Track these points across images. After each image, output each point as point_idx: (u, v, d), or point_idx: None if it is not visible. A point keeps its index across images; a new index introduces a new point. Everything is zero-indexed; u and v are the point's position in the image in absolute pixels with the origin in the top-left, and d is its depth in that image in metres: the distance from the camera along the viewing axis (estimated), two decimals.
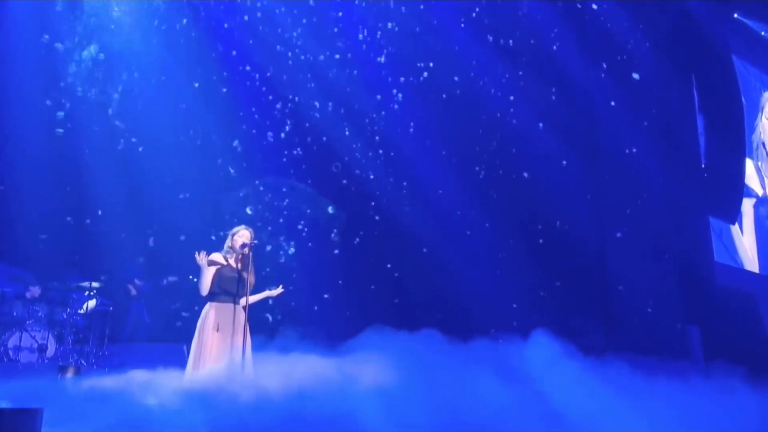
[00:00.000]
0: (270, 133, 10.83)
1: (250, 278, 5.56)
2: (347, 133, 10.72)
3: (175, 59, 10.59)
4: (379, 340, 5.74)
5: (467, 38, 10.35)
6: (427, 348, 5.68)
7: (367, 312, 9.23)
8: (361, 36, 10.67)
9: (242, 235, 5.64)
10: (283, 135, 10.94)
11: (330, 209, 10.83)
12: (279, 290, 5.83)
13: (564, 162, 9.79)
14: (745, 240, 11.51)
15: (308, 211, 10.76)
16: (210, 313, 5.47)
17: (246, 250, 5.55)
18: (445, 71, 10.39)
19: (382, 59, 10.62)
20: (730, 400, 5.25)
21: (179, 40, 10.68)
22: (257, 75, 10.87)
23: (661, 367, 6.63)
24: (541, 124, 9.88)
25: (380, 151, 10.70)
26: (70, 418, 4.29)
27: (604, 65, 9.98)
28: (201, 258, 5.37)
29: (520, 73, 10.12)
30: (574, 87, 9.94)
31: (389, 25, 10.63)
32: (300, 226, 10.75)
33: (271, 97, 10.90)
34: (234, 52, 10.81)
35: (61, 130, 10.20)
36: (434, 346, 5.75)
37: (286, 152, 10.89)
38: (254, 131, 10.82)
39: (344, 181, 10.84)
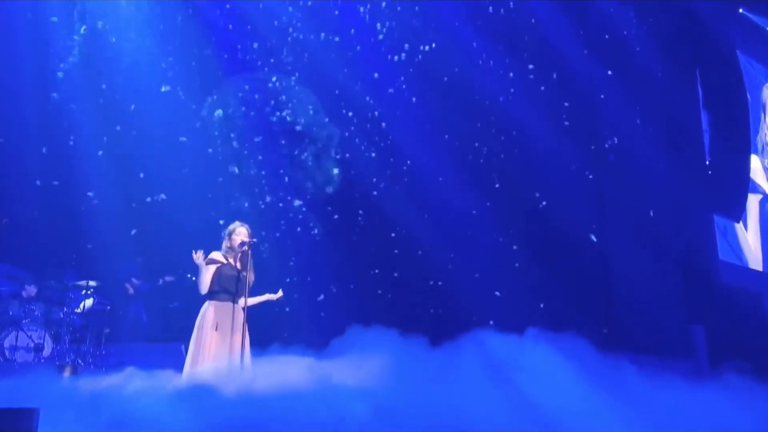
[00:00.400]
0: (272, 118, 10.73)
1: (250, 276, 5.51)
2: (349, 114, 10.60)
3: (172, 44, 10.46)
4: (373, 339, 5.66)
5: (467, 21, 10.25)
6: (421, 346, 5.59)
7: (363, 308, 9.15)
8: (362, 9, 10.52)
9: (240, 233, 5.58)
10: (284, 115, 10.83)
11: (327, 193, 10.70)
12: (279, 294, 5.76)
13: (565, 159, 9.70)
14: (749, 238, 11.43)
15: (308, 197, 10.64)
16: (209, 311, 5.42)
17: (245, 248, 5.49)
18: (445, 52, 10.25)
19: (383, 35, 10.46)
20: (735, 400, 5.16)
21: (176, 18, 10.52)
22: (255, 54, 10.72)
23: (664, 367, 6.55)
24: (541, 119, 9.77)
25: (382, 124, 10.48)
26: (66, 417, 4.24)
27: (607, 59, 9.88)
28: (198, 257, 5.31)
29: (530, 66, 10.02)
30: (576, 82, 9.85)
31: None
32: (297, 217, 10.63)
33: (268, 84, 10.81)
34: (230, 26, 10.64)
35: (55, 95, 10.11)
36: (428, 344, 5.66)
37: (286, 135, 10.77)
38: (252, 113, 10.72)
39: (343, 162, 10.73)
